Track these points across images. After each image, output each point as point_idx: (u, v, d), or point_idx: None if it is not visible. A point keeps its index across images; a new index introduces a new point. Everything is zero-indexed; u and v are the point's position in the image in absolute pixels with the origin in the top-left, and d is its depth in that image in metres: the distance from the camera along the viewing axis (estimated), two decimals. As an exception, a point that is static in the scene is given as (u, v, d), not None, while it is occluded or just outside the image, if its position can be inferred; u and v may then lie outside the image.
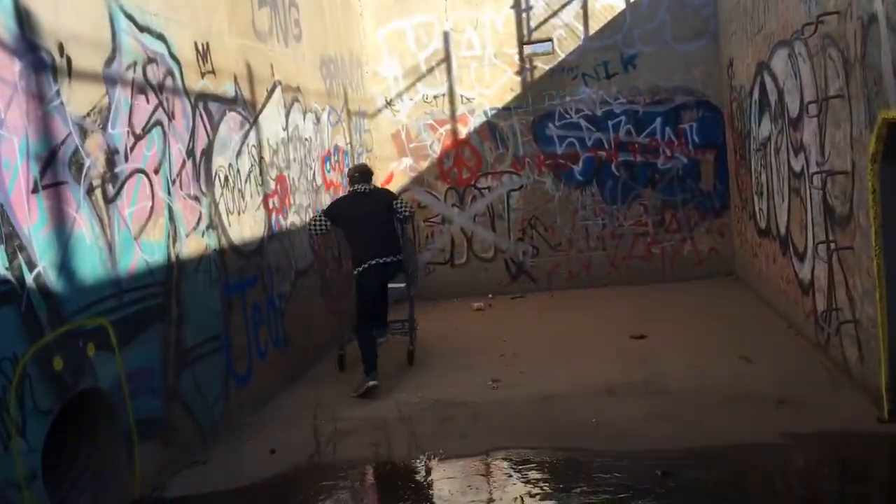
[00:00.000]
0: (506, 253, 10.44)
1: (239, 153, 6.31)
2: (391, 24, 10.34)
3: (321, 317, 7.90)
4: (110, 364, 4.43)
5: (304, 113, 7.93)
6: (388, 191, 7.62)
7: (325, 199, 8.27)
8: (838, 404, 5.04)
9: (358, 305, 6.82)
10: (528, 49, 10.18)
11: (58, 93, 4.18)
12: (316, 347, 7.65)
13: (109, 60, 4.66)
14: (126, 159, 4.75)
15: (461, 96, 10.33)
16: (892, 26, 4.09)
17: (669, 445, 4.70)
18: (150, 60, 5.10)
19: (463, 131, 10.36)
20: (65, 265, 4.12)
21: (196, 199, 5.58)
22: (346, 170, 8.49)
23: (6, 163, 3.77)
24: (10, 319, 3.73)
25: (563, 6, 10.00)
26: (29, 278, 3.86)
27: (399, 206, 7.00)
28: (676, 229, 10.03)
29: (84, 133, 4.37)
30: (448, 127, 10.39)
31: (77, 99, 4.33)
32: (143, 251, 4.85)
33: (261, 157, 6.74)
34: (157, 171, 5.08)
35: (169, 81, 5.31)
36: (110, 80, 4.65)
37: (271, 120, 7.03)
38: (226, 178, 6.05)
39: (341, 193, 8.59)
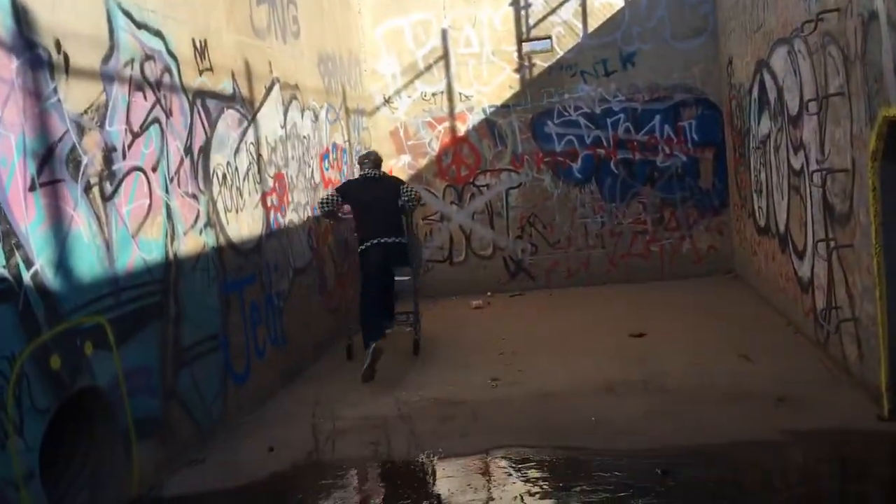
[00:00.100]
0: (504, 251, 10.43)
1: (237, 151, 6.30)
2: (389, 22, 10.32)
3: (320, 315, 7.89)
4: (108, 363, 4.41)
5: (303, 110, 7.91)
6: (397, 178, 7.96)
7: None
8: (838, 402, 5.04)
9: (362, 284, 7.27)
10: (526, 46, 10.16)
11: (55, 90, 4.16)
12: (314, 346, 7.63)
13: (107, 57, 4.64)
14: (124, 157, 4.73)
15: (459, 94, 10.31)
16: (893, 23, 4.07)
17: (669, 443, 4.70)
18: (148, 57, 5.08)
19: (461, 129, 10.35)
20: (62, 263, 4.11)
21: (194, 196, 5.56)
22: (356, 157, 8.78)
23: (3, 160, 3.74)
24: (8, 318, 3.71)
25: (562, 4, 9.98)
26: (26, 276, 3.84)
27: (406, 192, 7.35)
28: (675, 227, 10.02)
29: (81, 130, 4.35)
30: (446, 124, 10.37)
31: (74, 96, 4.31)
32: (141, 249, 4.84)
33: (259, 155, 6.72)
34: (154, 169, 5.07)
35: (167, 78, 5.29)
36: (108, 78, 4.63)
37: (269, 117, 7.01)
38: (224, 176, 6.03)
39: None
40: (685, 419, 5.07)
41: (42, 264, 3.95)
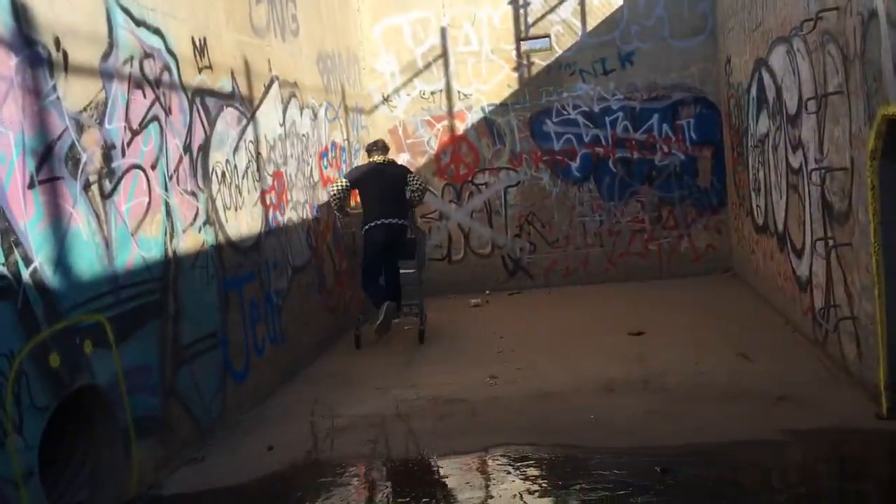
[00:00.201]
0: (503, 249, 10.43)
1: (236, 149, 6.29)
2: (388, 20, 10.31)
3: (318, 314, 7.89)
4: (107, 361, 4.41)
5: (302, 109, 7.90)
6: (404, 166, 8.38)
7: (323, 196, 8.27)
8: (836, 401, 5.04)
9: (364, 259, 7.82)
10: (525, 45, 10.16)
11: (54, 88, 4.15)
12: (313, 344, 7.63)
13: (106, 55, 4.63)
14: (123, 155, 4.73)
15: (458, 92, 10.30)
16: (893, 22, 4.08)
17: (668, 442, 4.70)
18: (147, 55, 5.07)
19: (460, 127, 10.34)
20: (61, 261, 4.10)
21: (193, 194, 5.55)
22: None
23: (2, 158, 3.74)
24: (7, 316, 3.71)
25: (561, 2, 9.97)
26: (25, 274, 3.84)
27: (414, 181, 7.87)
28: (674, 226, 10.03)
29: (81, 128, 4.34)
30: (445, 123, 10.36)
31: (73, 94, 4.30)
32: (140, 247, 4.83)
33: (258, 153, 6.71)
34: (154, 167, 5.06)
35: (166, 76, 5.28)
36: (107, 75, 4.62)
37: (268, 116, 7.01)
38: (223, 174, 6.03)
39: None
40: (684, 418, 5.08)
41: (41, 262, 3.95)
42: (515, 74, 10.17)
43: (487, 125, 10.28)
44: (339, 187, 7.85)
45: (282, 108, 7.35)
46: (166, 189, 5.19)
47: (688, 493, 4.14)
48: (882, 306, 4.56)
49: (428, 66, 10.31)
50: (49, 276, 4.00)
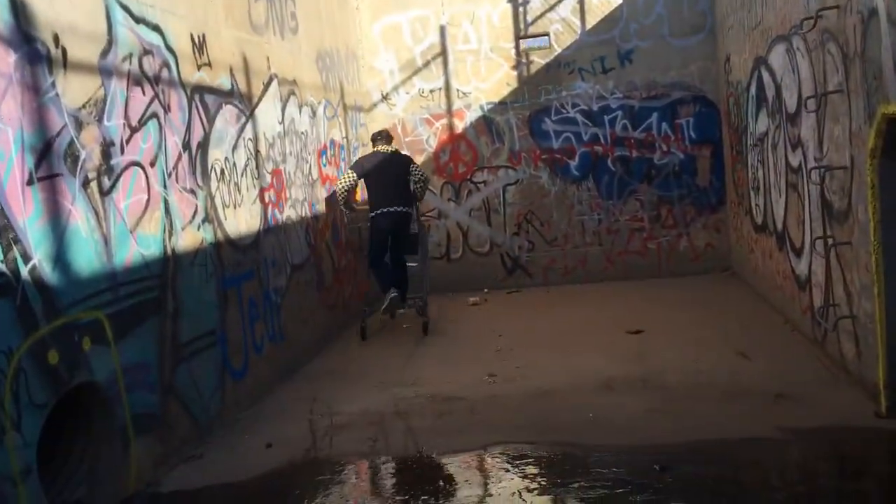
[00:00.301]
0: (501, 247, 10.43)
1: (235, 146, 6.28)
2: (387, 18, 10.30)
3: (317, 312, 7.88)
4: (106, 358, 4.40)
5: (301, 106, 7.89)
6: (407, 156, 8.63)
7: (321, 194, 8.26)
8: (836, 400, 5.04)
9: (371, 245, 8.11)
10: (524, 43, 10.15)
11: (53, 84, 4.14)
12: (312, 342, 7.62)
13: (105, 52, 4.62)
14: (122, 152, 4.72)
15: (457, 91, 10.30)
16: (893, 20, 4.08)
17: (667, 440, 4.70)
18: (146, 52, 5.06)
19: (459, 126, 10.34)
20: (60, 258, 4.09)
21: (192, 192, 5.54)
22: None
23: (1, 154, 3.73)
24: (5, 312, 3.70)
25: (560, 0, 9.97)
26: (24, 271, 3.83)
27: (415, 170, 8.16)
28: (672, 225, 10.03)
29: (80, 125, 4.33)
30: (444, 121, 10.36)
31: (73, 90, 4.29)
32: (139, 244, 4.82)
33: (257, 151, 6.70)
34: (152, 164, 5.05)
35: (165, 73, 5.27)
36: (106, 72, 4.61)
37: (267, 113, 7.00)
38: (222, 172, 6.02)
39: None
40: (683, 416, 5.08)
41: (40, 259, 3.94)
42: (514, 73, 10.16)
43: (486, 123, 10.27)
44: (347, 182, 8.06)
45: (281, 106, 7.34)
46: (165, 186, 5.18)
47: (687, 491, 4.14)
48: (881, 305, 4.56)
49: (427, 64, 10.31)
50: (48, 272, 3.99)
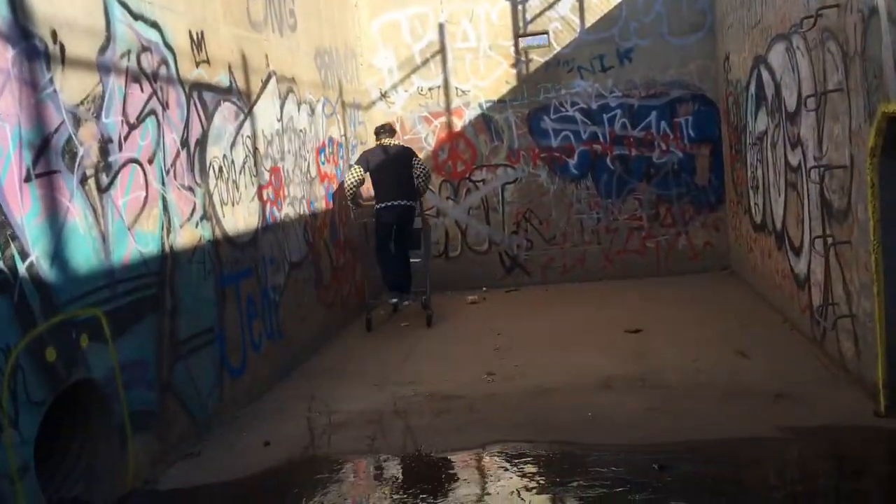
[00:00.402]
0: (500, 246, 10.42)
1: (233, 144, 6.26)
2: (386, 15, 10.28)
3: (316, 309, 7.87)
4: (104, 355, 4.39)
5: (299, 104, 7.87)
6: (410, 149, 8.67)
7: (320, 191, 8.25)
8: (835, 399, 5.04)
9: (376, 237, 8.36)
10: (523, 42, 10.14)
11: (51, 80, 4.12)
12: (310, 340, 7.61)
13: (103, 48, 4.61)
14: (120, 149, 4.70)
15: (456, 88, 10.28)
16: (893, 19, 4.07)
17: (666, 439, 4.69)
18: (145, 49, 5.04)
19: (458, 124, 10.32)
20: (58, 255, 4.08)
21: (190, 189, 5.53)
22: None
23: (-2, 151, 3.72)
24: (3, 309, 3.68)
25: (559, -1, 9.97)
26: (21, 268, 3.81)
27: (417, 163, 8.33)
28: (671, 223, 10.02)
29: (77, 121, 4.32)
30: (443, 119, 10.34)
31: (70, 87, 4.27)
32: (137, 241, 4.81)
33: (255, 148, 6.69)
34: (151, 161, 5.03)
35: (163, 70, 5.26)
36: (104, 69, 4.59)
37: (266, 111, 6.98)
38: (220, 169, 6.00)
39: (335, 186, 8.77)
40: (682, 415, 5.07)
41: (38, 256, 3.93)
42: (513, 71, 10.15)
43: (485, 122, 10.26)
44: (355, 178, 8.24)
45: (279, 104, 7.32)
46: (163, 184, 5.17)
47: (686, 490, 4.13)
48: (881, 304, 4.55)
49: (426, 62, 10.29)
50: (45, 269, 3.98)
